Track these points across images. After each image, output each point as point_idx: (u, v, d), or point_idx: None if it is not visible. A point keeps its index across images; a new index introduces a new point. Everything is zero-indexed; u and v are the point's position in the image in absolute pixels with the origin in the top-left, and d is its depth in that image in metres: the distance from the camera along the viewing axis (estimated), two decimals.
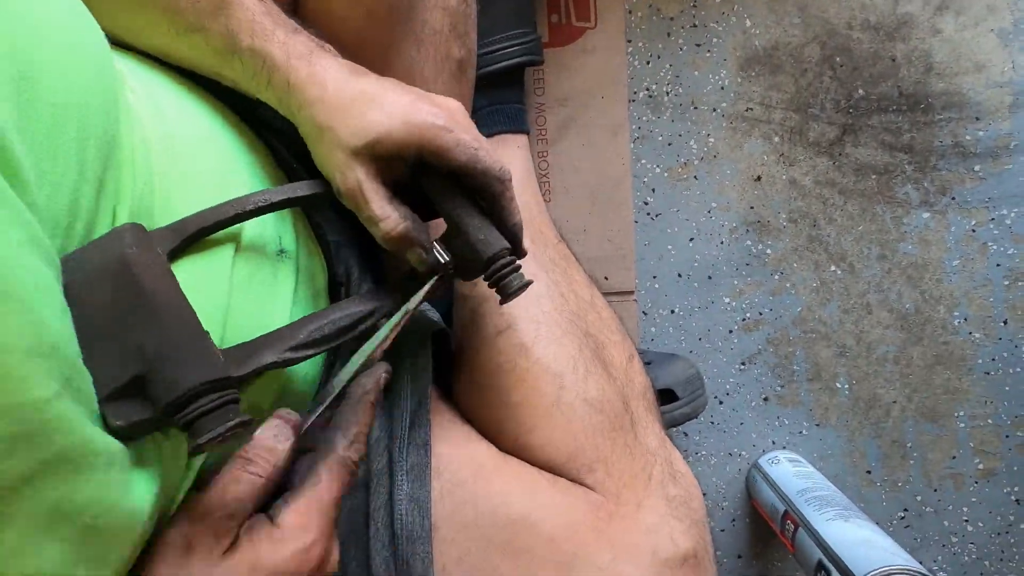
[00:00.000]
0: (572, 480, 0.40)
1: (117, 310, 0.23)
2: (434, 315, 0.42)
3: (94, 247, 0.23)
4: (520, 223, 0.35)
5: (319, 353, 0.30)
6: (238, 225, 0.29)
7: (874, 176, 0.59)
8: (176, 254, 0.27)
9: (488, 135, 0.54)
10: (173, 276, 0.25)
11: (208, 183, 0.30)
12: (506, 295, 0.34)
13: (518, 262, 0.34)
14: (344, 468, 0.27)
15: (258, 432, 0.26)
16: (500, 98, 0.55)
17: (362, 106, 0.31)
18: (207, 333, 0.24)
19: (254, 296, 0.30)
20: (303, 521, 0.25)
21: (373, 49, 0.42)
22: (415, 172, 0.34)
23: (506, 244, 0.33)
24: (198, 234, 0.27)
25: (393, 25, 0.42)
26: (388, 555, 0.35)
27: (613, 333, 0.47)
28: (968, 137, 0.58)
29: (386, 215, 0.31)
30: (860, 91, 0.59)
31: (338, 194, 0.32)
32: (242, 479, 0.25)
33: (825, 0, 0.58)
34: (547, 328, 0.43)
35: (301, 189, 0.32)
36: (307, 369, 0.35)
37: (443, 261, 0.33)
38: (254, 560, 0.24)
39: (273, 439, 0.26)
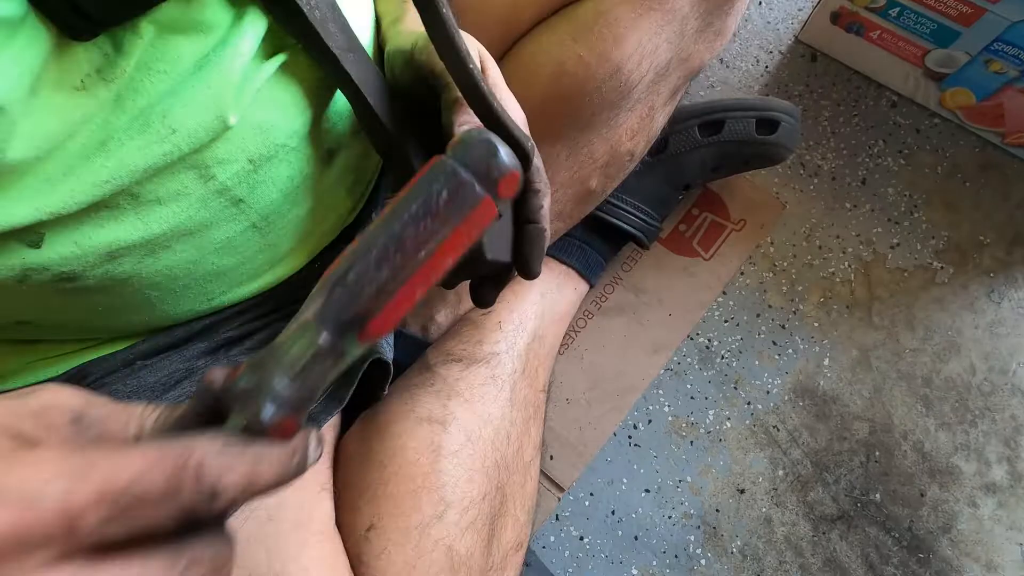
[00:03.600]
0: None
1: None
2: (388, 353, 0.38)
3: None
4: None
5: None
6: None
7: None
8: None
9: (563, 262, 0.54)
10: None
11: None
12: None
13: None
14: (176, 467, 0.15)
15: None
16: (594, 244, 0.55)
17: None
18: None
19: None
20: (59, 460, 0.14)
21: (537, 122, 0.42)
22: None
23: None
24: None
25: (562, 128, 0.43)
26: None
27: (522, 511, 0.41)
28: None
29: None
30: (877, 496, 0.56)
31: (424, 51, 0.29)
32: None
33: (898, 399, 0.58)
34: (471, 451, 0.38)
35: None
36: None
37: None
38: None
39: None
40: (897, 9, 0.57)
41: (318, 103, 0.30)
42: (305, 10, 0.27)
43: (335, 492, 0.36)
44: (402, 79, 0.29)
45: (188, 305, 0.32)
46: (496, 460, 0.39)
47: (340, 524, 0.34)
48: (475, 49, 0.33)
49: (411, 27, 0.32)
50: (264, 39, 0.27)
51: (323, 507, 0.34)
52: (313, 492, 0.34)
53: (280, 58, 0.28)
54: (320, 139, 0.31)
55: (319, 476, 0.34)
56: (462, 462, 0.37)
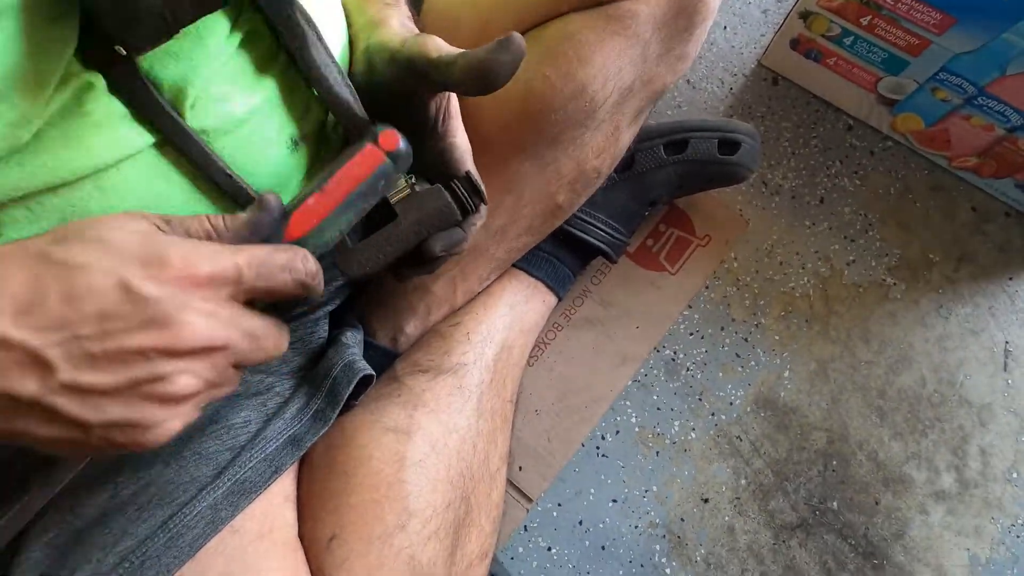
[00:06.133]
0: None
1: None
2: (364, 365, 0.39)
3: None
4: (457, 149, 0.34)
5: None
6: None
7: None
8: None
9: (531, 275, 0.55)
10: None
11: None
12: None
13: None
14: (287, 258, 0.25)
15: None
16: (562, 257, 0.56)
17: None
18: None
19: None
20: (213, 242, 0.24)
21: (505, 139, 0.43)
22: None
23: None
24: None
25: (529, 145, 0.44)
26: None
27: (488, 520, 0.42)
28: None
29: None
30: (834, 504, 0.58)
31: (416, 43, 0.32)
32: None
33: (854, 410, 0.60)
34: (436, 461, 0.38)
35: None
36: None
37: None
38: (148, 233, 0.22)
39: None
40: (851, 38, 0.60)
41: (280, 84, 0.31)
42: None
43: (299, 503, 0.36)
44: (384, 73, 0.31)
45: None
46: (461, 470, 0.40)
47: (303, 535, 0.34)
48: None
49: (395, 30, 0.34)
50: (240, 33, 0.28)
51: (286, 517, 0.34)
52: (277, 502, 0.34)
53: (239, 34, 0.28)
54: (284, 123, 0.31)
55: (283, 486, 0.35)
56: (426, 472, 0.37)
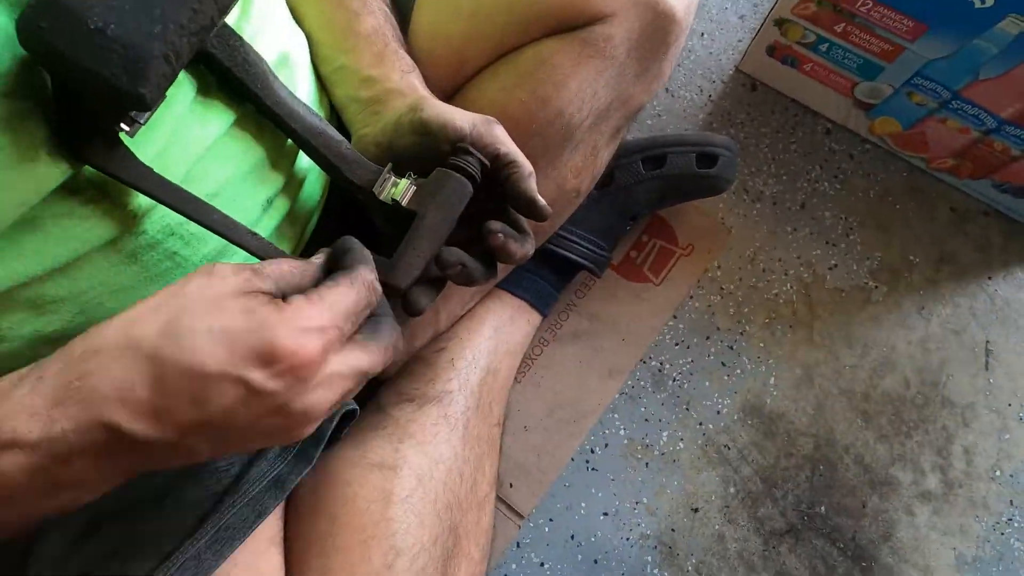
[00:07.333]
0: None
1: None
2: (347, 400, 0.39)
3: None
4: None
5: None
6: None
7: None
8: None
9: (515, 295, 0.55)
10: None
11: None
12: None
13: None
14: (364, 286, 0.25)
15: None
16: (545, 275, 0.56)
17: None
18: None
19: None
20: (310, 305, 0.23)
21: None
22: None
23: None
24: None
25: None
26: None
27: (477, 548, 0.42)
28: None
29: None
30: (823, 508, 0.58)
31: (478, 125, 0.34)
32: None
33: (840, 414, 0.61)
34: (423, 495, 0.38)
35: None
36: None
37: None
38: (252, 313, 0.22)
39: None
40: (826, 44, 0.60)
41: (258, 154, 0.31)
42: (239, 72, 0.28)
43: (286, 544, 0.36)
44: (406, 140, 0.34)
45: None
46: (448, 501, 0.40)
47: None
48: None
49: (444, 104, 0.35)
50: (202, 101, 0.28)
51: (271, 562, 0.34)
52: (262, 547, 0.34)
53: (225, 120, 0.28)
54: (257, 189, 0.32)
55: (268, 529, 0.34)
56: (413, 507, 0.37)
